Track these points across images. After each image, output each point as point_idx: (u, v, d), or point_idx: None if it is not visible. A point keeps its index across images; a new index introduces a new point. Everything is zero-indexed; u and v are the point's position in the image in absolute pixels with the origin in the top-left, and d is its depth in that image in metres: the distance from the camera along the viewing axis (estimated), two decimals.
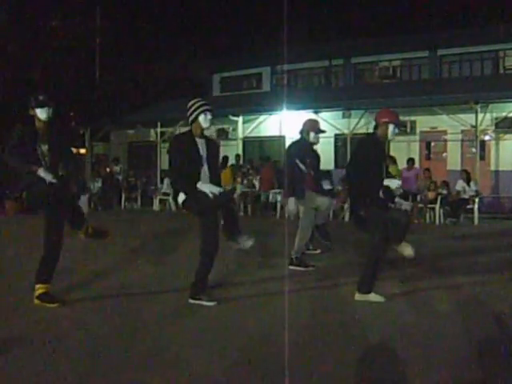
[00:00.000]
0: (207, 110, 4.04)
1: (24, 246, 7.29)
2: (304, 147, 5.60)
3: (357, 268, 5.68)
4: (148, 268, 5.70)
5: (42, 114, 3.97)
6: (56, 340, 3.34)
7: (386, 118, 4.25)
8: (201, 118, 4.00)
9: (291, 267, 5.49)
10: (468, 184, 10.95)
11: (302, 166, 5.47)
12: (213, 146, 4.28)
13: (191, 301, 4.05)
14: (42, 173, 3.90)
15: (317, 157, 5.78)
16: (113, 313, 3.99)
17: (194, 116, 4.02)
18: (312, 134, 5.59)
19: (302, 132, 5.69)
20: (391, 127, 4.22)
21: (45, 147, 4.01)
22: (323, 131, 5.79)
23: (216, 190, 3.93)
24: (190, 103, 4.09)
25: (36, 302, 4.02)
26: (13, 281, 4.99)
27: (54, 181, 3.92)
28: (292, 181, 5.46)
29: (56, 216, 4.06)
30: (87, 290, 4.60)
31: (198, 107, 4.03)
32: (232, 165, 14.12)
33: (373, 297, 4.17)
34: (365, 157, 4.20)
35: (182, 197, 3.99)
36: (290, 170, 5.47)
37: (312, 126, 5.64)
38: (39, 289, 4.02)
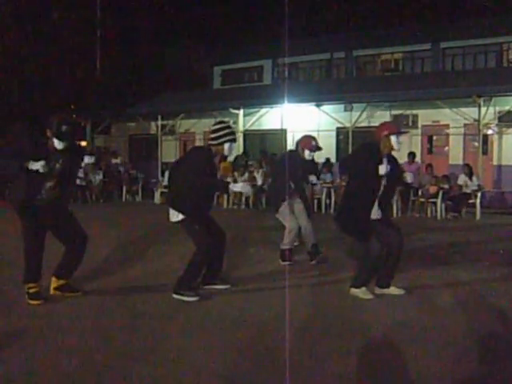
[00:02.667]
0: (234, 139, 4.27)
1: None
2: (297, 163, 5.53)
3: (355, 261, 5.66)
4: (149, 262, 5.68)
5: (58, 144, 3.89)
6: (56, 334, 3.33)
7: (385, 131, 4.17)
8: (226, 145, 4.20)
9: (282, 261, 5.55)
10: (470, 178, 10.89)
11: (291, 184, 5.48)
12: None
13: (174, 296, 4.11)
14: (32, 165, 3.74)
15: (311, 166, 5.76)
16: (113, 306, 3.98)
17: (220, 141, 4.19)
18: (307, 152, 5.56)
19: (297, 147, 5.66)
20: (393, 138, 4.13)
21: (55, 163, 3.90)
22: (320, 149, 5.70)
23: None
24: (219, 127, 4.25)
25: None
26: (13, 274, 4.97)
27: (42, 168, 3.75)
28: (278, 194, 5.48)
29: (35, 223, 4.03)
30: (88, 284, 4.57)
31: (227, 135, 4.20)
32: (236, 158, 14.04)
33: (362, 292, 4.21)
34: (359, 169, 4.12)
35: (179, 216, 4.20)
36: (280, 186, 5.43)
37: (307, 144, 5.58)
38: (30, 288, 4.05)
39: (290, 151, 5.92)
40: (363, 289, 4.22)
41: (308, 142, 5.62)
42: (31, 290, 4.04)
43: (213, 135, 4.23)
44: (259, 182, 12.26)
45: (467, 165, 11.33)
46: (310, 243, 5.63)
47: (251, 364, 2.90)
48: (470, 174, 10.94)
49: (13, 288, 4.45)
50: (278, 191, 5.49)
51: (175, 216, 4.22)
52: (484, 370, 2.88)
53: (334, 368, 2.84)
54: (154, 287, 4.56)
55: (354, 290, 4.25)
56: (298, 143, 5.71)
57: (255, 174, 12.53)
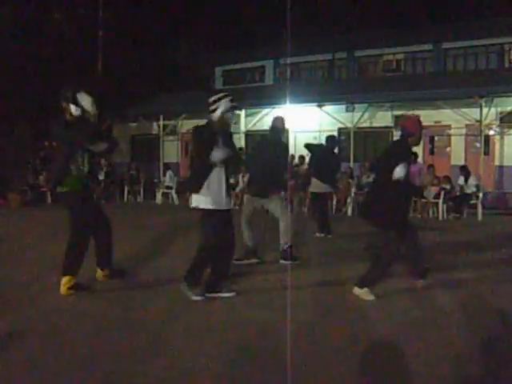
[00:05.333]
0: (234, 106, 4.19)
1: (26, 238, 7.29)
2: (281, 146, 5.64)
3: (357, 262, 5.66)
4: (151, 261, 5.68)
5: (75, 110, 4.23)
6: (57, 334, 3.33)
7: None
8: (227, 114, 4.13)
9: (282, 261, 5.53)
10: (466, 180, 10.92)
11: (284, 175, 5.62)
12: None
13: (182, 287, 4.10)
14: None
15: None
16: (116, 305, 3.99)
17: (215, 106, 4.08)
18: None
19: (274, 129, 5.73)
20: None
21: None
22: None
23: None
24: (215, 97, 4.12)
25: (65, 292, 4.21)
26: (13, 274, 4.99)
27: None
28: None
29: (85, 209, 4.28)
30: (90, 282, 4.59)
31: (221, 98, 4.09)
32: None
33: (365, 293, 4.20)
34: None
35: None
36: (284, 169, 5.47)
37: (281, 121, 5.73)
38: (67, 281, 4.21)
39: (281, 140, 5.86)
40: (366, 289, 4.19)
41: (281, 120, 5.75)
42: (71, 283, 4.19)
43: (210, 108, 4.10)
44: None
45: (465, 166, 11.36)
46: (286, 242, 5.53)
47: (252, 365, 2.91)
48: (467, 176, 10.97)
49: (13, 288, 4.47)
50: (276, 179, 5.43)
51: (201, 203, 4.02)
52: (484, 370, 2.88)
53: (335, 368, 2.85)
54: (156, 287, 4.57)
55: (356, 290, 4.22)
56: (274, 125, 5.73)
57: None
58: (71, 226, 4.28)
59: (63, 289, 4.16)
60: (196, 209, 4.10)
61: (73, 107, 4.22)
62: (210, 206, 4.01)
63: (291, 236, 5.56)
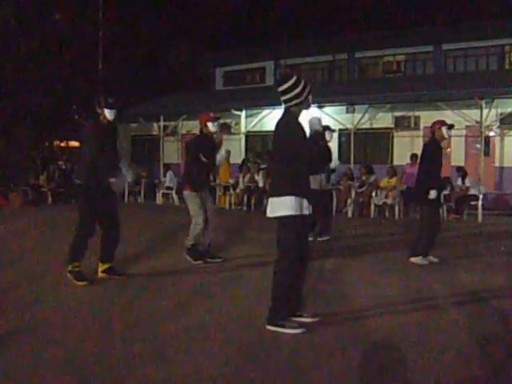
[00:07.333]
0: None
1: (27, 238, 7.30)
2: (205, 141, 5.67)
3: (356, 263, 5.68)
4: (151, 262, 5.69)
5: (110, 115, 4.50)
6: (57, 334, 3.34)
7: (438, 125, 5.72)
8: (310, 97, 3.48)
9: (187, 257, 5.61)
10: (463, 181, 10.95)
11: (203, 159, 5.56)
12: None
13: (270, 327, 3.40)
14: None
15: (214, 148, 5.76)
16: (116, 305, 4.00)
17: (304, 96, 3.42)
18: (210, 124, 5.67)
19: (201, 129, 5.79)
20: (444, 129, 5.68)
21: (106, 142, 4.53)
22: (218, 118, 5.86)
23: None
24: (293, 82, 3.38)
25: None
26: (12, 275, 5.00)
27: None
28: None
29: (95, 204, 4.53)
30: (91, 281, 4.60)
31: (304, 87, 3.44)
32: (244, 160, 14.02)
33: (420, 260, 5.62)
34: (428, 158, 5.64)
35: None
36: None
37: (207, 117, 5.75)
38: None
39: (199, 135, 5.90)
40: (419, 257, 5.60)
41: (206, 115, 5.79)
42: (76, 269, 4.51)
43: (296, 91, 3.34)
44: (260, 184, 12.28)
45: (462, 167, 11.40)
46: (190, 240, 5.57)
47: (253, 365, 2.91)
48: (463, 177, 11.03)
49: (13, 288, 4.48)
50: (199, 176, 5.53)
51: (279, 210, 3.37)
52: (484, 371, 2.88)
53: (335, 369, 2.85)
54: (155, 288, 4.58)
55: (412, 259, 5.62)
56: (200, 121, 5.81)
57: (255, 175, 12.54)
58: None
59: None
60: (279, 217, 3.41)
61: (107, 111, 4.47)
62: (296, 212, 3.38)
63: (197, 236, 5.53)
